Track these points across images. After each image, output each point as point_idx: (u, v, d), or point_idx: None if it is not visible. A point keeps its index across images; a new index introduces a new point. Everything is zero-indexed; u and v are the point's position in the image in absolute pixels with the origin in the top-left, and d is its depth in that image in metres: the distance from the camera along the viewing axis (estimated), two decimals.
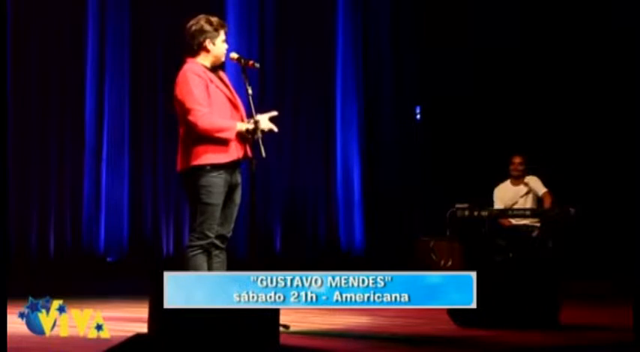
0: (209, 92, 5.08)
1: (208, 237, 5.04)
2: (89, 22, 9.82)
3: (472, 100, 10.79)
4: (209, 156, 5.03)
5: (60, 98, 9.70)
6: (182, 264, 5.10)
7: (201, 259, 5.04)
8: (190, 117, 5.01)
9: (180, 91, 5.08)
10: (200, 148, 5.03)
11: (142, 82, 10.04)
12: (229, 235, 5.17)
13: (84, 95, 9.80)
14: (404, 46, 11.22)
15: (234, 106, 5.19)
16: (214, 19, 5.23)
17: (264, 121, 5.17)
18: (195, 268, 4.99)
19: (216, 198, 5.03)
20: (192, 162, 5.04)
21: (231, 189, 5.13)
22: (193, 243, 5.05)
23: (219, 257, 5.14)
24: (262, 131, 5.12)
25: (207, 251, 5.07)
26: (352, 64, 11.07)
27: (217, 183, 5.03)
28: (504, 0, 10.76)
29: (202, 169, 5.02)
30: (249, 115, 5.19)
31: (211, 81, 5.12)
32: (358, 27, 11.13)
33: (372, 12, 11.18)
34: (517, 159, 8.66)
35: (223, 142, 5.04)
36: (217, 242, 5.11)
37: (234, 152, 5.09)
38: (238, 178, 5.18)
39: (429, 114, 11.05)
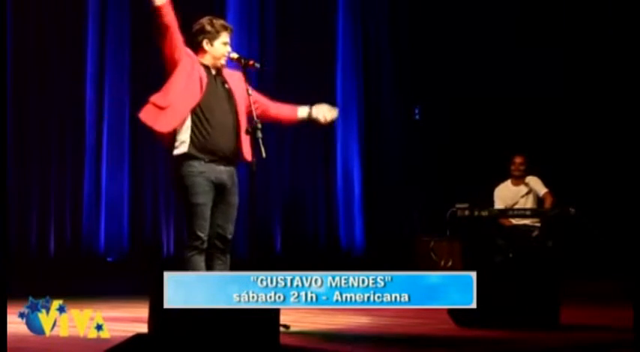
0: (191, 80, 5.00)
1: (199, 237, 4.99)
2: (89, 22, 9.82)
3: (472, 100, 10.79)
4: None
5: (60, 98, 9.70)
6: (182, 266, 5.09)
7: (199, 259, 5.01)
8: None
9: None
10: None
11: (142, 82, 10.03)
12: (230, 237, 5.11)
13: (84, 95, 9.79)
14: (404, 46, 11.22)
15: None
16: (218, 21, 5.17)
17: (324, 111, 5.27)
18: (193, 269, 4.97)
19: (200, 197, 4.98)
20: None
21: (219, 190, 5.06)
22: (189, 245, 5.04)
23: (221, 259, 5.10)
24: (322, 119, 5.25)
25: (205, 251, 5.03)
26: (352, 64, 11.07)
27: (199, 182, 4.97)
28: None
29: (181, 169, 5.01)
30: (250, 117, 5.14)
31: (201, 79, 5.05)
32: (358, 27, 11.14)
33: (371, 12, 11.18)
34: (518, 159, 8.65)
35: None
36: (218, 243, 5.08)
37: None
38: (225, 178, 5.05)
39: (428, 115, 11.05)
